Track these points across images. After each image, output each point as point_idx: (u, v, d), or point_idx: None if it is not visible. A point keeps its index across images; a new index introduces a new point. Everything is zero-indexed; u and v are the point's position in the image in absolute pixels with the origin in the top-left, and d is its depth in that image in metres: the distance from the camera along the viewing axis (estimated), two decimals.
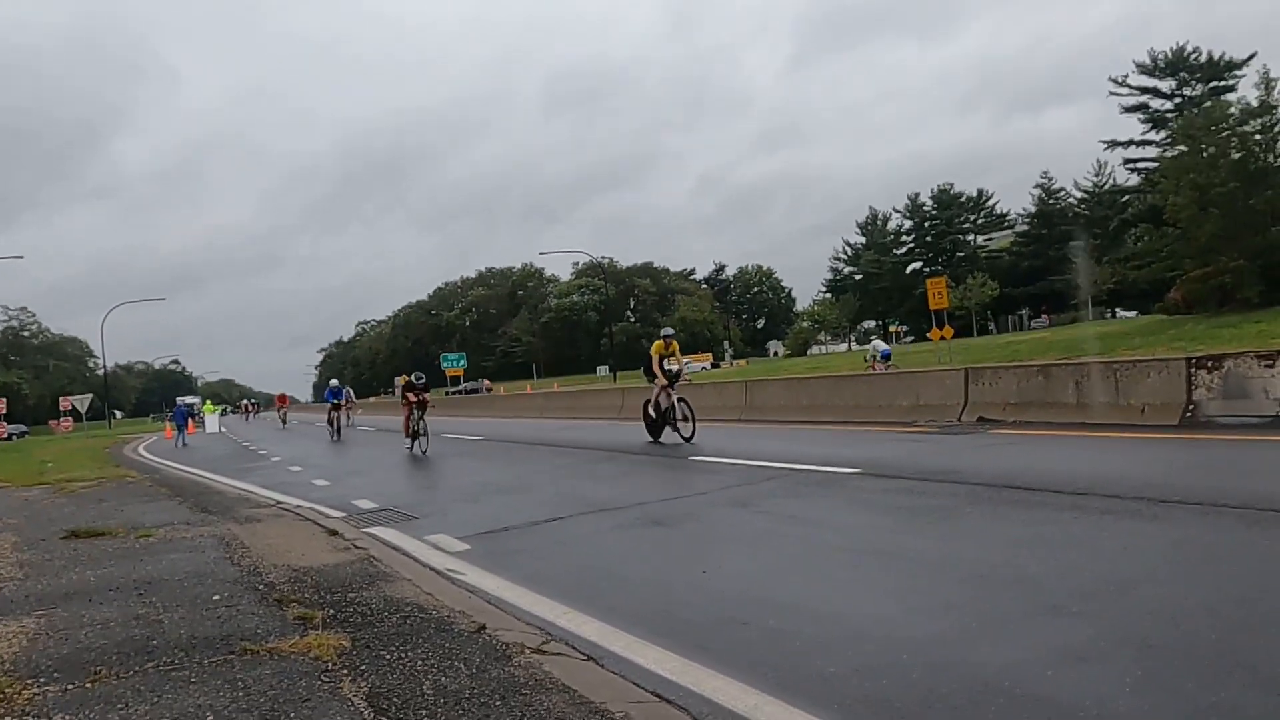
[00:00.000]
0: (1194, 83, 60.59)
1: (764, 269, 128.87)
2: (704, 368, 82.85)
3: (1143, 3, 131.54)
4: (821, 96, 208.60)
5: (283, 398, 45.89)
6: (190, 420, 32.33)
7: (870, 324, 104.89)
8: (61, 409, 60.17)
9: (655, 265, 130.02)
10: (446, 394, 63.39)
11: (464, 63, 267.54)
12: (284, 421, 41.34)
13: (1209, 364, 9.75)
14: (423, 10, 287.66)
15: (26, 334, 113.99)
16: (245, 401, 77.60)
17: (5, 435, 58.38)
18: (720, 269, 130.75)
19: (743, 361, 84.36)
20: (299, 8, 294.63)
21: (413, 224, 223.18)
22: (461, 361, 65.32)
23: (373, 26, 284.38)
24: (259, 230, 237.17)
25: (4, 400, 58.91)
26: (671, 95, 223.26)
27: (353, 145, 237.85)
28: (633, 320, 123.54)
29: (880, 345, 25.89)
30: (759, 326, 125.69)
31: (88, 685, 3.53)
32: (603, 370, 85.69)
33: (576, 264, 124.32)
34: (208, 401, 55.77)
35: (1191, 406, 9.67)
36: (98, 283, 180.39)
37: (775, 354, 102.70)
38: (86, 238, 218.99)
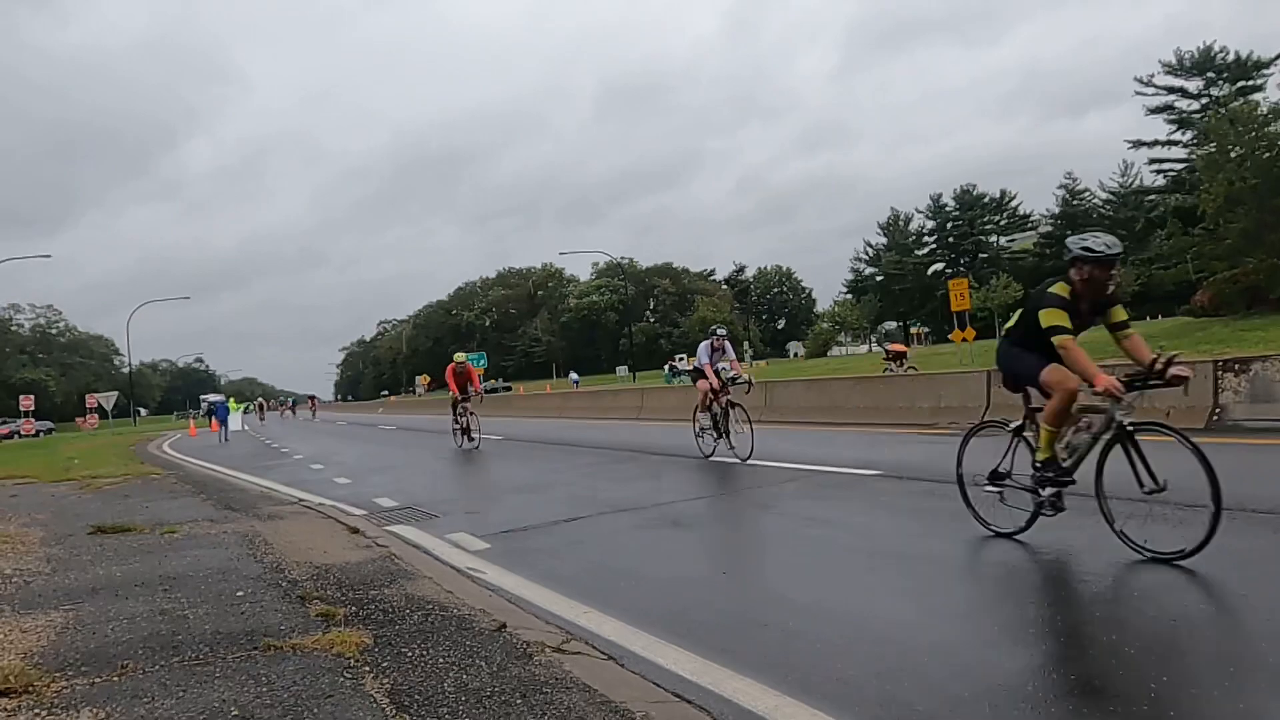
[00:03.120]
0: (1221, 82, 59.86)
1: (784, 269, 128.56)
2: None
3: (1193, 6, 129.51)
4: (867, 100, 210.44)
5: (470, 381, 16.43)
6: (214, 418, 32.69)
7: (891, 325, 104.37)
8: (88, 406, 60.97)
9: (675, 265, 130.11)
10: None
11: (522, 63, 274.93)
12: (465, 432, 15.90)
13: (1236, 367, 9.63)
14: (486, 11, 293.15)
15: (54, 332, 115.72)
16: (262, 400, 74.62)
17: (33, 432, 59.29)
18: (740, 269, 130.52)
19: (763, 363, 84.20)
20: (369, 9, 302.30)
21: (457, 222, 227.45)
22: (482, 361, 65.45)
23: (438, 28, 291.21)
24: (307, 229, 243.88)
25: (32, 397, 59.93)
26: (722, 99, 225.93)
27: (407, 144, 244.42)
28: (652, 320, 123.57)
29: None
30: (779, 327, 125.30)
31: (114, 679, 3.58)
32: (622, 370, 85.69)
33: (596, 264, 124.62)
34: (231, 399, 56.29)
35: (1218, 410, 9.55)
36: (145, 279, 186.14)
37: (795, 355, 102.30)
38: (143, 235, 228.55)
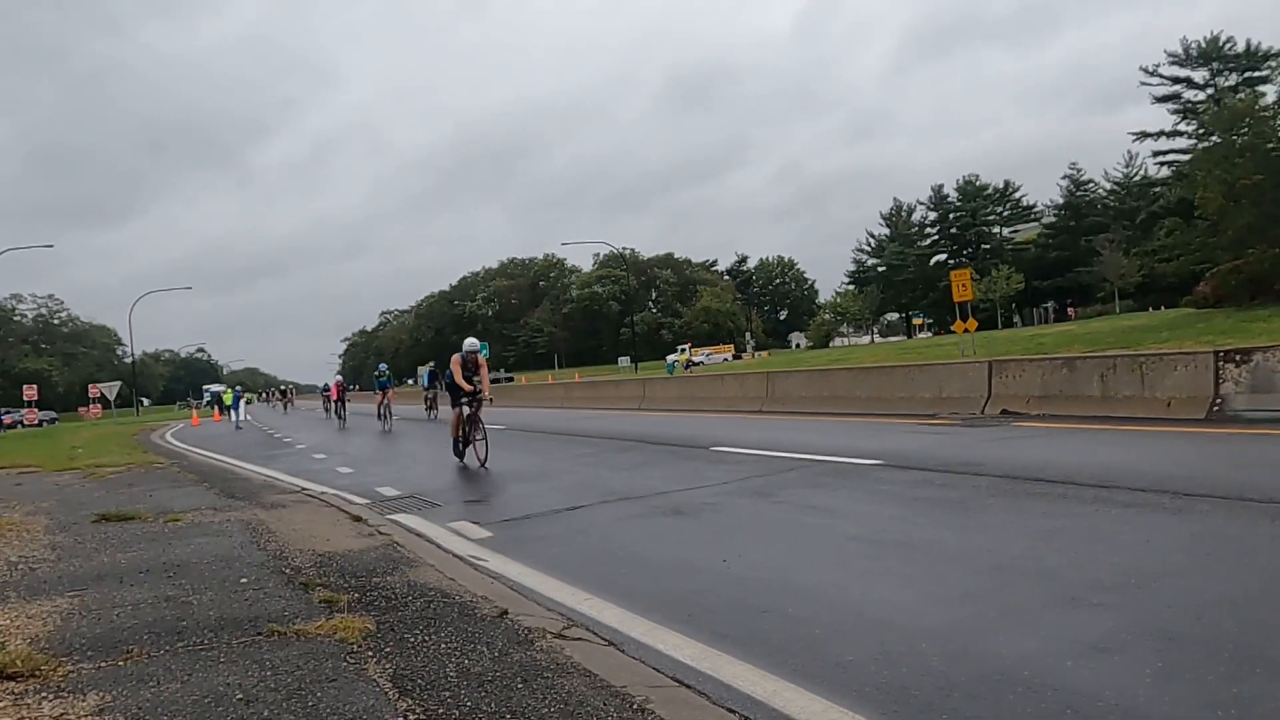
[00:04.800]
0: (1227, 72, 59.62)
1: (786, 260, 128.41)
2: (725, 359, 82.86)
3: (1241, 5, 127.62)
4: (916, 98, 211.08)
5: None
6: (216, 408, 32.77)
7: (893, 316, 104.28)
8: (90, 396, 61.08)
9: (676, 256, 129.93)
10: None
11: (593, 56, 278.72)
12: None
13: (1237, 357, 9.64)
14: (558, 7, 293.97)
15: (56, 322, 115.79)
16: (280, 389, 69.91)
17: (36, 421, 59.43)
18: (742, 260, 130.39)
19: (765, 353, 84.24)
20: (465, 11, 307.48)
21: (504, 212, 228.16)
22: (484, 351, 65.54)
23: (519, 22, 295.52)
24: (357, 220, 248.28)
25: (35, 387, 59.97)
26: (777, 92, 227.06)
27: (469, 138, 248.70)
28: (654, 310, 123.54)
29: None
30: (781, 318, 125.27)
31: (120, 663, 3.61)
32: (624, 361, 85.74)
33: (598, 255, 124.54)
34: (228, 390, 56.36)
35: (1218, 400, 9.56)
36: (192, 269, 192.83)
37: (797, 346, 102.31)
38: (204, 226, 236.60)
